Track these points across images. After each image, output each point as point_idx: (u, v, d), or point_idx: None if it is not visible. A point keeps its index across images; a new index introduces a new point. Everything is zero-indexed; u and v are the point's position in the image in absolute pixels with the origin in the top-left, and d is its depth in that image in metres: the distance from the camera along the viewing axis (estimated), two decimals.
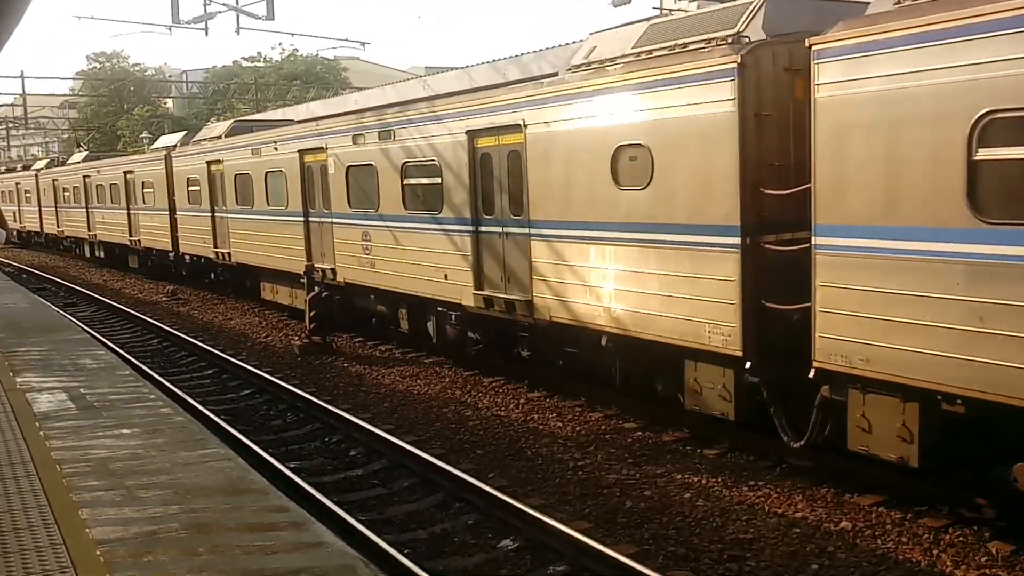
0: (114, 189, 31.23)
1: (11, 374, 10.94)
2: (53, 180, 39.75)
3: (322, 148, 17.25)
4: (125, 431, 8.34)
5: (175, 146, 26.87)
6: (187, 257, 25.94)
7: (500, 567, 7.59)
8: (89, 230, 34.94)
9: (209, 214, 23.29)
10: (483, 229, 13.16)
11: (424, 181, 14.35)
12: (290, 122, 23.81)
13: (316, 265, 17.59)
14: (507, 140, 12.52)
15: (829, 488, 8.84)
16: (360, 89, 41.10)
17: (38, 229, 44.24)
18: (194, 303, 24.49)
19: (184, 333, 18.83)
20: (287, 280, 19.61)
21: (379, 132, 15.32)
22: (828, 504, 8.50)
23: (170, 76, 73.09)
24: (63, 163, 42.15)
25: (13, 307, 17.31)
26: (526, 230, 12.17)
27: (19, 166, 53.87)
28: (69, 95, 64.37)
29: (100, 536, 5.73)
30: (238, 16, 25.47)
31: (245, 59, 65.10)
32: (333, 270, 17.22)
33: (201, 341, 17.84)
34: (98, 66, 68.87)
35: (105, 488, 6.68)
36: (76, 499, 6.44)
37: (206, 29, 26.42)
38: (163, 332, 19.30)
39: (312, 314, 17.00)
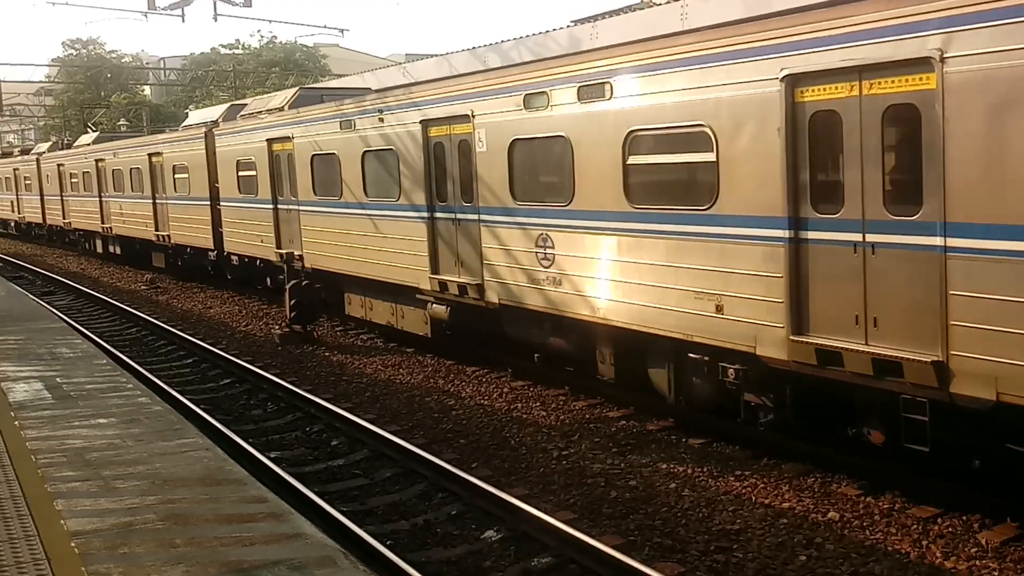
0: (135, 175, 26.70)
1: None
2: (58, 165, 34.96)
3: (465, 117, 12.52)
4: (102, 421, 8.23)
5: (217, 121, 22.23)
6: (234, 258, 21.28)
7: (484, 558, 7.49)
8: (103, 222, 30.29)
9: (271, 206, 18.65)
10: (812, 236, 8.20)
11: (675, 159, 9.65)
12: (367, 91, 19.32)
13: (449, 279, 13.23)
14: (883, 88, 7.57)
15: (816, 478, 8.79)
16: (340, 76, 40.80)
17: (40, 220, 39.31)
18: (173, 292, 24.25)
19: (163, 322, 18.61)
20: (389, 294, 15.21)
21: (579, 88, 10.57)
22: (815, 494, 8.46)
23: (147, 63, 72.38)
24: (68, 145, 37.27)
25: None
26: (936, 242, 7.21)
27: (16, 150, 50.04)
28: (45, 82, 63.63)
29: (75, 527, 5.63)
30: (215, 2, 25.19)
31: (223, 46, 64.71)
32: (479, 286, 12.54)
33: (180, 330, 17.63)
34: (74, 53, 68.17)
35: (81, 479, 6.59)
36: (51, 490, 6.34)
37: (183, 15, 26.04)
38: (142, 321, 19.07)
39: (292, 303, 16.81)
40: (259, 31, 64.54)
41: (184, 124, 25.36)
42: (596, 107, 10.41)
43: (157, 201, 25.50)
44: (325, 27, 45.12)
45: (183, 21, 29.10)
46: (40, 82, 63.74)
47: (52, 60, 68.50)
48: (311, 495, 8.49)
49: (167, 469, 6.80)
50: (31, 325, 14.06)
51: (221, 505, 6.08)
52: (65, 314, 19.26)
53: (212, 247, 22.21)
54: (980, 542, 7.29)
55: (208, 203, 22.01)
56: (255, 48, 62.52)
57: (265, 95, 21.41)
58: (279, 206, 18.54)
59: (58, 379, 9.99)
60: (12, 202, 43.82)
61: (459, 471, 8.97)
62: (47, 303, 20.66)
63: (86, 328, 17.79)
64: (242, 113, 20.86)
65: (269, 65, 58.17)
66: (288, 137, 17.58)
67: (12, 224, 46.08)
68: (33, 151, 41.31)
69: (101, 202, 30.24)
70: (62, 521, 5.74)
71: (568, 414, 11.38)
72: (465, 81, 13.13)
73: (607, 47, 11.07)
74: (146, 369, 14.09)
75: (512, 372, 13.27)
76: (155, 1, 25.31)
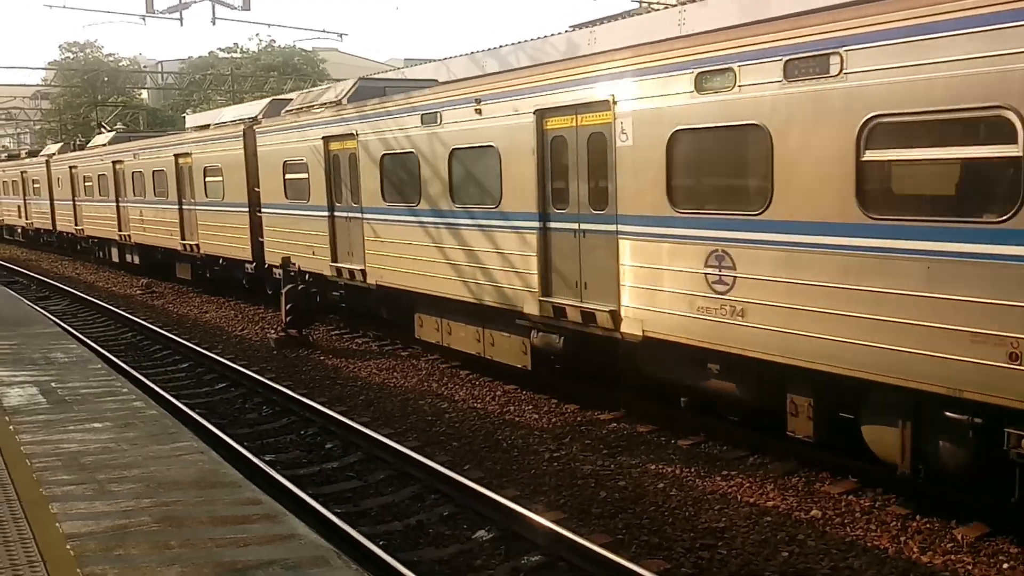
0: (159, 178, 24.54)
1: None
2: (70, 168, 32.60)
3: (601, 104, 10.20)
4: (97, 425, 8.32)
5: (257, 118, 20.05)
6: (277, 272, 18.45)
7: (475, 557, 7.62)
8: (120, 230, 28.16)
9: (326, 214, 16.53)
10: None
11: (948, 154, 7.23)
12: (432, 82, 17.13)
13: (567, 303, 10.94)
14: None
15: (800, 477, 8.95)
16: (338, 80, 40.88)
17: (49, 227, 36.66)
18: (169, 296, 24.32)
19: (158, 327, 18.70)
20: (475, 317, 13.02)
21: (787, 62, 8.16)
22: (799, 493, 8.61)
23: (145, 67, 72.40)
24: (81, 147, 34.97)
25: None
26: None
27: (23, 152, 47.28)
28: (41, 85, 63.65)
29: (70, 530, 5.72)
30: (213, 6, 25.28)
31: (221, 50, 64.66)
32: (613, 313, 10.22)
33: (175, 334, 17.72)
34: (71, 56, 68.15)
35: (76, 482, 6.67)
36: (46, 493, 6.42)
37: (181, 19, 26.12)
38: (137, 326, 19.15)
39: (288, 307, 16.92)
40: (257, 35, 64.57)
41: (218, 122, 22.59)
42: (813, 87, 7.99)
43: (184, 207, 23.30)
44: (324, 31, 45.36)
45: (181, 25, 29.17)
46: (36, 85, 63.72)
47: (49, 63, 68.50)
48: (305, 497, 8.61)
49: (162, 472, 6.89)
50: (25, 330, 14.13)
51: (216, 507, 6.17)
52: (60, 319, 19.35)
53: (250, 259, 20.07)
54: (956, 538, 7.47)
55: (246, 209, 19.88)
56: (253, 52, 62.58)
57: (319, 88, 18.19)
58: (336, 213, 16.33)
59: (53, 384, 10.07)
60: (19, 207, 41.00)
61: (452, 473, 9.09)
62: (42, 308, 20.73)
63: (81, 333, 17.87)
64: (287, 109, 18.44)
65: (267, 69, 58.22)
66: (351, 134, 15.37)
67: (19, 230, 43.37)
68: (43, 152, 38.75)
69: (118, 207, 28.06)
70: (57, 524, 5.83)
71: (560, 417, 11.50)
72: (602, 59, 10.46)
73: (832, 8, 8.28)
74: (141, 374, 14.18)
75: (504, 376, 13.40)
76: (153, 4, 25.41)
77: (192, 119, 30.75)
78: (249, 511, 6.13)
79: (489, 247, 12.27)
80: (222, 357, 15.41)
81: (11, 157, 46.56)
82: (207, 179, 21.82)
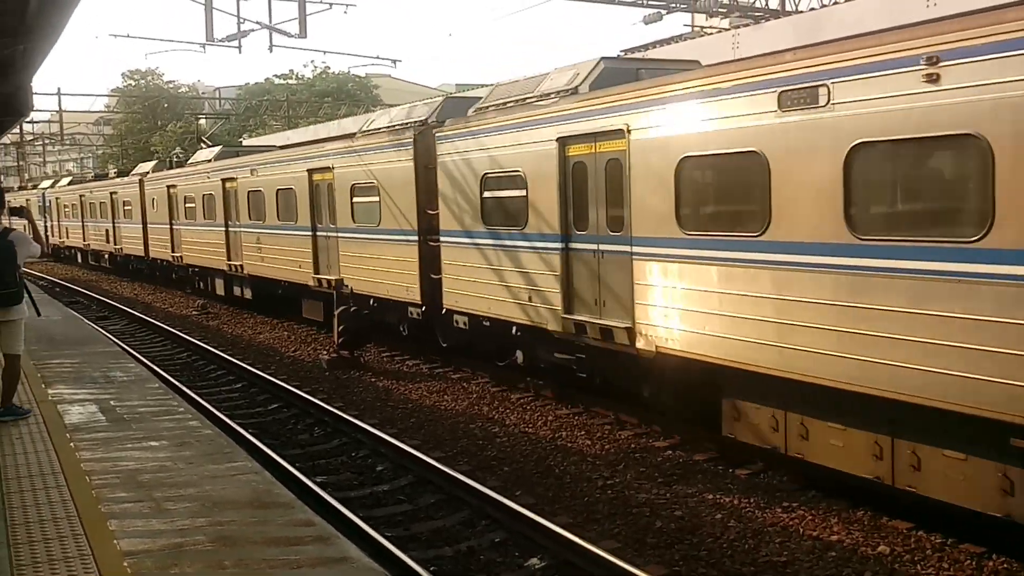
0: (285, 198, 20.65)
1: (43, 386, 11.09)
2: (168, 187, 28.96)
3: None
4: (154, 443, 8.41)
5: (428, 121, 15.90)
6: (460, 320, 14.68)
7: None
8: (229, 259, 24.34)
9: (557, 245, 12.11)
10: None
11: None
12: (696, 63, 13.00)
13: None
14: None
15: (866, 511, 8.65)
16: (391, 105, 41.37)
17: (141, 253, 32.79)
18: (224, 317, 24.63)
19: (213, 347, 18.92)
20: (873, 417, 8.22)
21: None
22: (865, 527, 8.32)
23: (203, 93, 74.11)
24: (180, 164, 31.61)
25: (46, 320, 17.49)
26: None
27: (111, 172, 43.91)
28: (104, 112, 65.45)
29: (128, 547, 5.75)
30: (271, 34, 25.74)
31: (277, 76, 65.97)
32: None
33: (230, 355, 17.91)
34: (133, 83, 70.04)
35: (133, 500, 6.73)
36: (105, 510, 6.48)
37: (239, 47, 26.63)
38: (193, 346, 19.41)
39: (340, 328, 17.01)
40: (312, 62, 65.74)
41: (366, 127, 18.54)
42: None
43: (319, 234, 19.38)
44: (378, 58, 45.99)
45: (239, 52, 29.70)
46: (100, 112, 65.51)
47: (112, 90, 70.44)
48: (356, 520, 8.56)
49: (217, 491, 6.92)
50: (86, 349, 14.41)
51: (269, 528, 6.17)
52: (119, 338, 19.69)
53: (419, 301, 15.77)
54: None
55: (415, 238, 15.72)
56: (308, 78, 63.73)
57: (533, 76, 13.92)
58: (574, 245, 11.96)
59: (112, 402, 10.23)
60: (107, 231, 36.89)
61: (503, 498, 8.97)
62: (102, 327, 21.13)
63: (139, 352, 18.14)
64: (479, 106, 14.53)
65: (322, 95, 59.24)
66: (613, 131, 10.95)
67: (106, 257, 38.97)
68: (135, 171, 35.23)
69: (228, 233, 24.29)
70: (115, 541, 5.87)
71: (613, 443, 11.33)
72: None
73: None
74: (196, 393, 14.32)
75: (556, 400, 13.25)
76: (213, 33, 25.97)
77: (249, 144, 30.89)
78: (302, 532, 6.12)
79: (946, 308, 7.29)
80: (275, 378, 15.51)
81: (98, 177, 42.74)
82: (355, 199, 17.71)
